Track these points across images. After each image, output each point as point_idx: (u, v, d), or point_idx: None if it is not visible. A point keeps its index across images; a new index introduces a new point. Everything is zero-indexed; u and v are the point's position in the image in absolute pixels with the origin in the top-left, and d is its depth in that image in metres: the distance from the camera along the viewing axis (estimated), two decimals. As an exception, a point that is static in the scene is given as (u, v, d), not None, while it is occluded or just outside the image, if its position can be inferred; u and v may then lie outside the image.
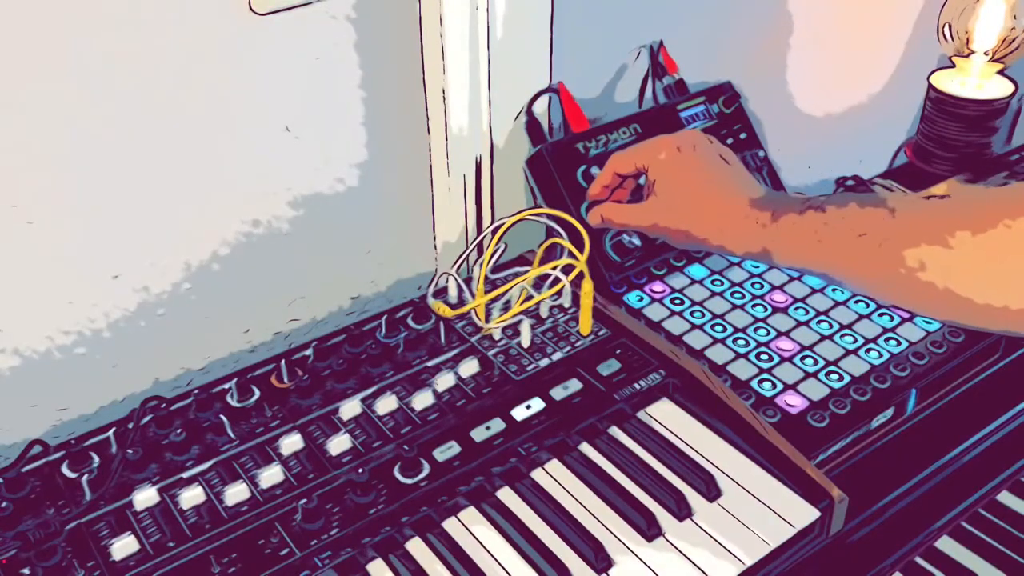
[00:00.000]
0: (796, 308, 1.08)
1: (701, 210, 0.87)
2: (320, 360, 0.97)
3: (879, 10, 1.46)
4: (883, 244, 0.74)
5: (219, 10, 0.90)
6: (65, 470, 0.86)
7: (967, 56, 1.39)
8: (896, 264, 0.73)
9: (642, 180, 0.96)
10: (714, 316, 1.07)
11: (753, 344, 1.03)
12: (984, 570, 1.03)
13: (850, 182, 1.37)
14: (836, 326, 1.05)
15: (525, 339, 0.99)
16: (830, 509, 0.84)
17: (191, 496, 0.83)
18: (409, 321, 1.03)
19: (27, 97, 0.83)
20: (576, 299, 1.03)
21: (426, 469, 0.85)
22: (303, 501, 0.80)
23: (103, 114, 0.88)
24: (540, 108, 1.11)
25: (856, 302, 1.08)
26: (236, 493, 0.83)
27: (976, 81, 1.38)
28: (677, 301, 1.09)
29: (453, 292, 1.06)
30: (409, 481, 0.84)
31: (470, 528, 0.83)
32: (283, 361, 0.96)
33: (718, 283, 1.12)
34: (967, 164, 1.39)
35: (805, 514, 0.83)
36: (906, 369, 0.99)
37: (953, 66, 1.41)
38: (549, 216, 1.02)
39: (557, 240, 1.01)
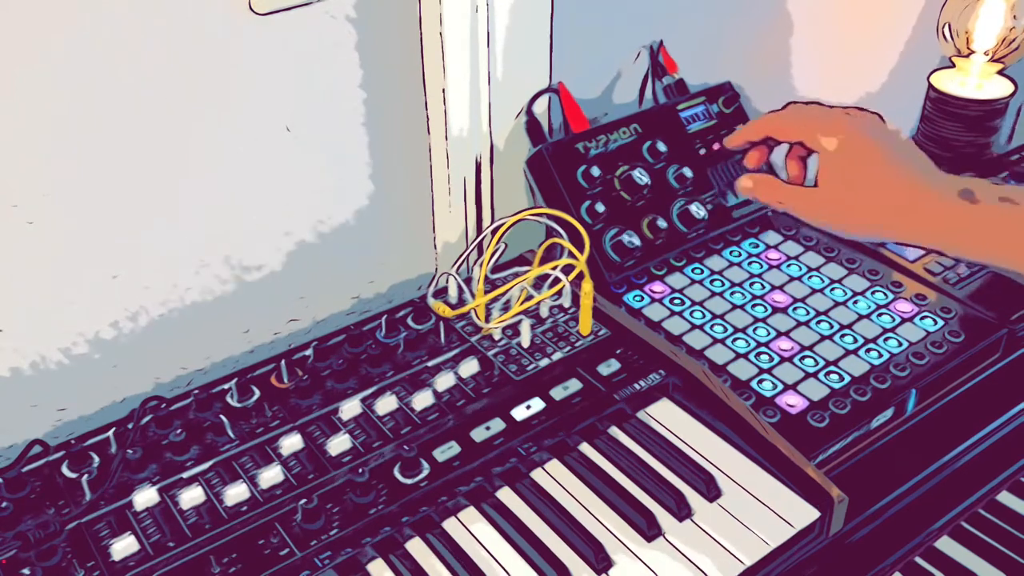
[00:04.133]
0: (796, 308, 1.08)
1: (878, 201, 0.83)
2: (320, 360, 0.97)
3: (879, 10, 1.46)
4: None
5: (219, 10, 0.90)
6: (65, 470, 0.86)
7: (967, 56, 1.38)
8: None
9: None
10: (714, 316, 1.06)
11: (753, 344, 1.02)
12: (984, 570, 1.02)
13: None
14: (836, 326, 1.05)
15: (525, 339, 0.99)
16: (830, 509, 0.84)
17: (191, 496, 0.83)
18: (409, 321, 1.03)
19: (26, 97, 0.83)
20: (576, 299, 1.03)
21: (426, 469, 0.85)
22: (303, 501, 0.80)
23: (103, 114, 0.88)
24: (540, 108, 1.11)
25: (855, 302, 1.08)
26: (236, 493, 0.83)
27: (976, 81, 1.38)
28: (677, 301, 1.09)
29: (453, 292, 1.06)
30: (409, 481, 0.84)
31: (470, 528, 0.83)
32: (283, 361, 0.96)
33: (718, 283, 1.11)
34: (967, 164, 1.38)
35: (805, 514, 0.83)
36: (906, 369, 0.99)
37: (953, 66, 1.41)
38: (549, 216, 1.02)
39: (557, 240, 1.01)
